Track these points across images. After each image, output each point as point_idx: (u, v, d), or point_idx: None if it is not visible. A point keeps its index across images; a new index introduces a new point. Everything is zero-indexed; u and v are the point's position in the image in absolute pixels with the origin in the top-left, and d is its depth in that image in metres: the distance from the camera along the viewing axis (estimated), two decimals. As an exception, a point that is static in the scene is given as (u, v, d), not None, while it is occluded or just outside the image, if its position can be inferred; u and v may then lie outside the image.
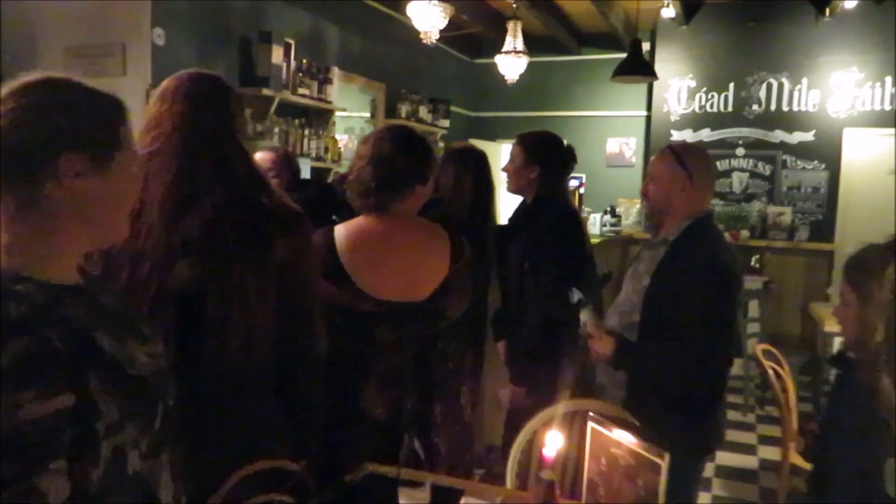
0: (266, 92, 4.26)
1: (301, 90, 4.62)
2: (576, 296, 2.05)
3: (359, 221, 1.82)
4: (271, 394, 1.51)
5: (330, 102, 4.95)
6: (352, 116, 5.99)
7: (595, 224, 6.14)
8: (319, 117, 4.98)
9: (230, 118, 1.52)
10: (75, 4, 3.70)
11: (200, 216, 1.41)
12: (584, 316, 2.01)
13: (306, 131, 4.78)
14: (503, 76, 5.68)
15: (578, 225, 2.65)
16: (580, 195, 5.22)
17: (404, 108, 6.08)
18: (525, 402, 2.43)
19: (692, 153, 2.10)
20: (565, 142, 2.75)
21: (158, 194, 1.41)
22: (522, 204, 2.76)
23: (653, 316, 1.94)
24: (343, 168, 5.14)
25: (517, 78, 5.53)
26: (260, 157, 2.83)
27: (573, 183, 5.28)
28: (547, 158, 2.66)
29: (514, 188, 2.73)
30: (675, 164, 2.03)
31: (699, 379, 1.89)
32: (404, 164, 1.78)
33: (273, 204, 1.51)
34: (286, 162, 2.81)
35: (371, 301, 1.73)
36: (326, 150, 4.99)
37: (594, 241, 5.47)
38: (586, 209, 6.52)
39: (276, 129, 4.42)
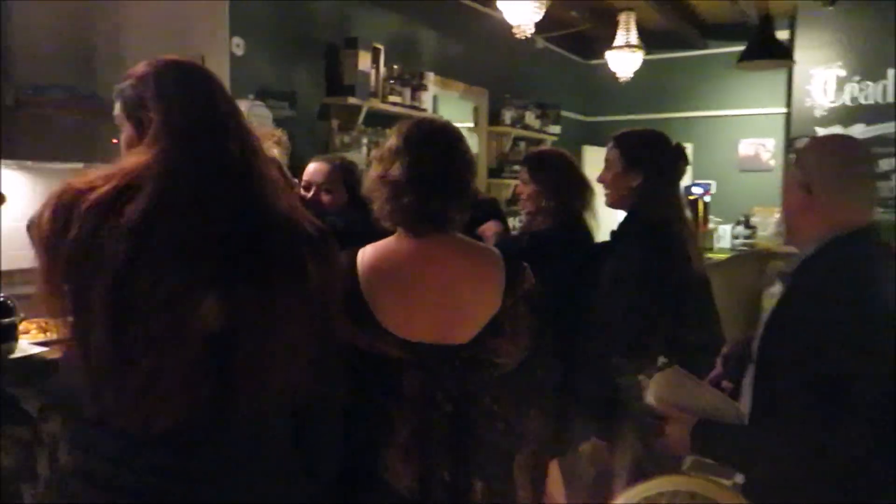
0: (352, 101, 4.02)
1: (392, 98, 4.35)
2: (659, 361, 1.54)
3: (388, 243, 1.45)
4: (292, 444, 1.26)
5: (424, 110, 4.65)
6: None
7: (725, 237, 5.44)
8: (414, 127, 4.69)
9: (225, 112, 1.23)
10: (159, 16, 3.62)
11: (218, 237, 1.12)
12: (659, 382, 1.50)
13: (398, 142, 4.50)
14: (619, 77, 5.18)
15: (669, 244, 2.11)
16: (705, 204, 4.58)
17: (508, 115, 5.68)
18: (608, 460, 1.98)
19: (816, 148, 1.55)
20: (674, 141, 2.25)
21: (165, 214, 1.12)
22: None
23: (766, 380, 1.40)
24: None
25: (631, 76, 5.02)
26: (313, 168, 2.54)
27: (696, 190, 4.66)
28: (653, 163, 2.17)
29: (613, 201, 2.25)
30: (793, 165, 1.50)
31: (839, 475, 1.29)
32: (453, 170, 1.42)
33: (296, 220, 1.22)
34: (343, 174, 2.49)
35: (397, 343, 1.36)
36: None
37: (721, 255, 4.84)
38: (715, 219, 5.83)
39: (364, 140, 4.17)
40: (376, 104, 4.21)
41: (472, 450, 1.39)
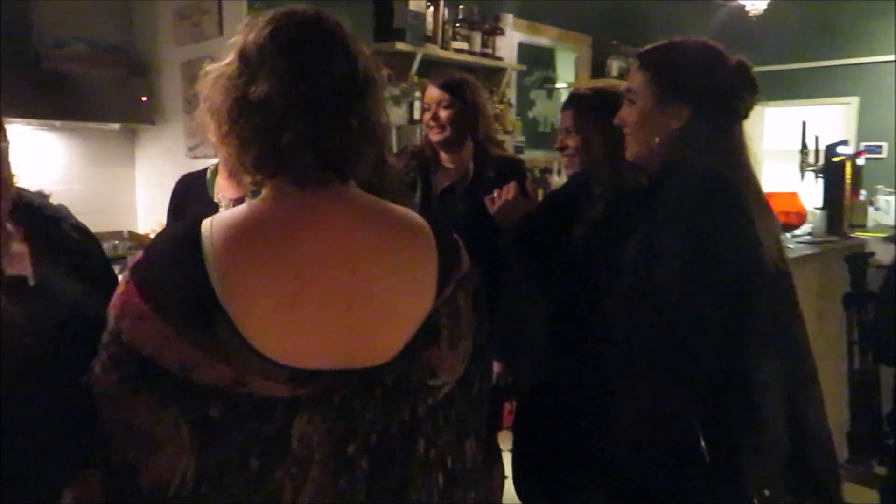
0: (401, 47, 3.47)
1: (456, 44, 3.75)
2: None
3: (254, 209, 0.89)
4: None
5: (500, 59, 4.01)
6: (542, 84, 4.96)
7: (889, 209, 4.31)
8: (488, 79, 4.05)
9: None
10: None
11: None
12: None
13: (465, 95, 3.91)
14: (749, 11, 4.20)
15: (739, 207, 1.36)
16: (856, 168, 3.51)
17: (616, 65, 4.87)
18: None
19: None
20: (734, 58, 1.47)
21: None
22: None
23: None
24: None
25: (763, 9, 4.03)
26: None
27: (843, 150, 3.62)
28: (704, 91, 1.42)
29: (638, 152, 1.52)
30: None
31: None
32: (358, 81, 0.90)
33: None
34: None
35: (281, 374, 0.80)
36: (496, 118, 4.05)
37: (878, 234, 3.77)
38: (885, 189, 4.66)
39: (417, 94, 3.61)
40: (434, 51, 3.63)
41: None
